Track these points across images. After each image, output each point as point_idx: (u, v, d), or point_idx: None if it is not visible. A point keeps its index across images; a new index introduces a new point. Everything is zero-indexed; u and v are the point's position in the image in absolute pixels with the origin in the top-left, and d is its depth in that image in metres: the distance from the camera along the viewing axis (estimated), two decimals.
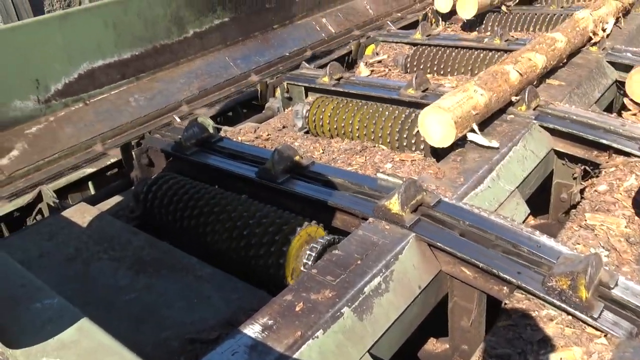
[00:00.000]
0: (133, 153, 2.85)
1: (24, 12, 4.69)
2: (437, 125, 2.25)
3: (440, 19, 4.87)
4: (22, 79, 3.42)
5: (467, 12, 4.25)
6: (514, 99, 2.56)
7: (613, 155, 2.32)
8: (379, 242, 1.76)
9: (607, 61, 3.22)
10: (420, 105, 2.71)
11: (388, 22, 4.90)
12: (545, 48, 2.85)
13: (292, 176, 2.22)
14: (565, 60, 3.12)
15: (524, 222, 2.21)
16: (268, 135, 2.94)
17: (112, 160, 3.36)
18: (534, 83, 2.78)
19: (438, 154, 2.44)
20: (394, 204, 1.82)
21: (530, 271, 1.60)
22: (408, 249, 1.74)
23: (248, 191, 2.27)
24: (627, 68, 3.11)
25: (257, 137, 2.93)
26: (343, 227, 2.08)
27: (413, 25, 5.19)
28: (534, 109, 2.55)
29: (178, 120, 3.58)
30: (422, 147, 2.55)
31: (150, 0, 4.05)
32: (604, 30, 3.40)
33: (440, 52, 3.72)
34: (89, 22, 3.71)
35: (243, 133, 3.02)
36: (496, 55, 3.46)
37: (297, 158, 2.24)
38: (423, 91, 2.84)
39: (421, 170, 2.31)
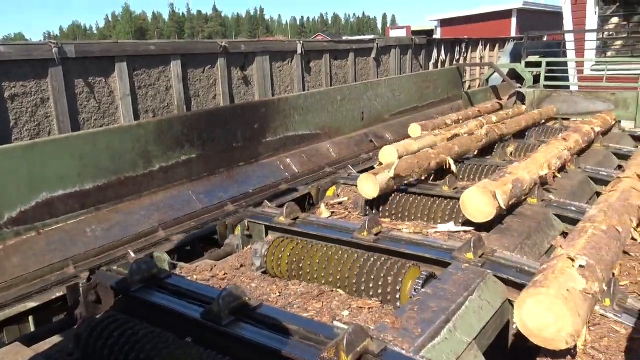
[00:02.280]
0: (80, 289, 2.71)
1: None
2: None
3: None
4: None
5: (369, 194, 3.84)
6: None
7: None
8: None
9: (554, 214, 3.40)
10: (372, 249, 2.81)
11: (349, 165, 5.13)
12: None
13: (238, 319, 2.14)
14: None
15: None
16: (225, 274, 2.89)
17: (57, 295, 3.19)
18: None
19: None
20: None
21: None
22: None
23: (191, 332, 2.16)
24: (572, 221, 3.29)
25: (213, 276, 2.87)
26: None
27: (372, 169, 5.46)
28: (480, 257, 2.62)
29: (132, 254, 3.49)
30: (379, 292, 2.54)
31: (121, 135, 4.17)
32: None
33: (397, 197, 3.87)
34: (55, 153, 3.76)
35: (199, 271, 2.95)
36: (445, 201, 3.63)
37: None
38: (375, 234, 2.92)
39: (378, 318, 2.27)
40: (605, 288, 2.24)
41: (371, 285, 2.59)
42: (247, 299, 2.19)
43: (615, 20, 12.71)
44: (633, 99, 7.68)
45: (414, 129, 6.34)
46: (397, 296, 2.50)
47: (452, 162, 4.58)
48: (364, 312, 2.35)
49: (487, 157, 5.31)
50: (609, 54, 12.30)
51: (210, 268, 3.01)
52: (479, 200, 3.17)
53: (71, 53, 5.50)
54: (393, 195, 3.91)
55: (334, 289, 2.66)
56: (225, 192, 4.74)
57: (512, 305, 2.53)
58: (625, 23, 12.81)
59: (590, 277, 2.08)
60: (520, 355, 2.62)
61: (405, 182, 4.04)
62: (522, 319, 1.99)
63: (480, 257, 2.59)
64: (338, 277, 2.68)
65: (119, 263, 3.46)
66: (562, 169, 4.39)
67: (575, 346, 1.93)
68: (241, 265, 3.11)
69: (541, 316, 1.92)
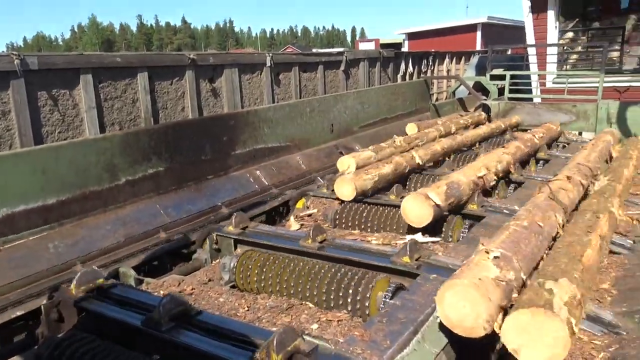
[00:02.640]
0: (42, 307, 2.63)
1: None
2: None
3: None
4: None
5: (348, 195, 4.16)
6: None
7: None
8: None
9: None
10: (317, 257, 2.94)
11: (318, 177, 5.14)
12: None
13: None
14: None
15: None
16: (192, 289, 2.84)
17: (18, 314, 3.08)
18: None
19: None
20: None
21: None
22: None
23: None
24: None
25: (180, 291, 2.82)
26: None
27: None
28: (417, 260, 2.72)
29: (96, 269, 3.40)
30: (349, 305, 2.54)
31: (85, 148, 4.08)
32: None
33: (367, 209, 3.90)
34: (17, 167, 3.65)
35: (166, 286, 2.90)
36: None
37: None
38: (320, 242, 3.02)
39: (347, 331, 2.27)
40: (524, 277, 2.29)
41: (340, 295, 2.59)
42: (188, 305, 2.21)
43: (570, 34, 13.17)
44: (593, 110, 7.94)
45: (411, 128, 7.12)
46: (367, 304, 2.51)
47: (416, 155, 4.73)
48: (333, 325, 2.35)
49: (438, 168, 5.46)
50: (569, 67, 12.72)
51: (178, 283, 2.96)
52: (414, 205, 3.36)
53: (34, 65, 5.38)
54: (363, 206, 3.95)
55: (303, 302, 2.65)
56: (194, 206, 4.67)
57: None
58: (584, 37, 13.29)
59: (504, 266, 2.19)
60: None
61: (377, 186, 4.16)
62: (444, 312, 2.05)
63: (416, 260, 2.70)
64: (307, 288, 2.68)
65: None
66: (507, 174, 4.65)
67: (494, 332, 1.98)
68: (209, 280, 3.07)
69: (459, 306, 1.99)
